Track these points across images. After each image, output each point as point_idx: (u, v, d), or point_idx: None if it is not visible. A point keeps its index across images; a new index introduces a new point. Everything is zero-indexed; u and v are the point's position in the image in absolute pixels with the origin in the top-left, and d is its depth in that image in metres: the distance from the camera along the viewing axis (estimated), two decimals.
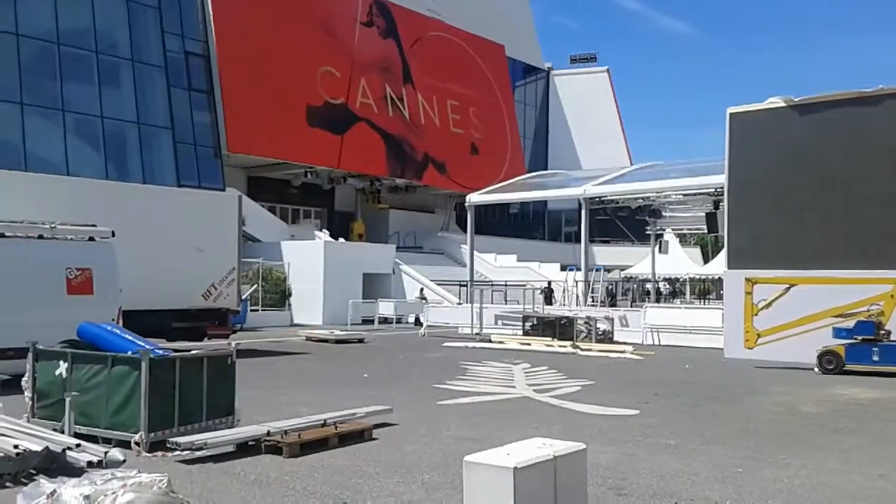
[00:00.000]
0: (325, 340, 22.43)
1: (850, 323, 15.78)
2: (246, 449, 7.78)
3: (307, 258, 32.23)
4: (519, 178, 39.24)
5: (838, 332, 15.75)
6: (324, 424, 8.49)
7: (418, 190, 47.88)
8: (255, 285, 28.66)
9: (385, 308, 30.51)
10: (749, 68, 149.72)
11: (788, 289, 17.22)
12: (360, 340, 22.92)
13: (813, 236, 17.26)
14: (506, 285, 33.20)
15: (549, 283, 34.57)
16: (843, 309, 16.25)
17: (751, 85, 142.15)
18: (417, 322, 29.03)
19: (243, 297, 21.24)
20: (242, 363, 9.51)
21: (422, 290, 33.99)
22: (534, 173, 42.86)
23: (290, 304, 31.31)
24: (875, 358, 15.26)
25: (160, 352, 8.54)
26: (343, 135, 41.69)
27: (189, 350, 9.59)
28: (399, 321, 30.50)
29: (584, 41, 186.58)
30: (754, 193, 18.35)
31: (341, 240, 37.56)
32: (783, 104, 18.19)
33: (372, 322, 29.81)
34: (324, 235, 36.84)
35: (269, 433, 7.93)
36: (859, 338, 15.50)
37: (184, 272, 17.08)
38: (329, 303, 30.98)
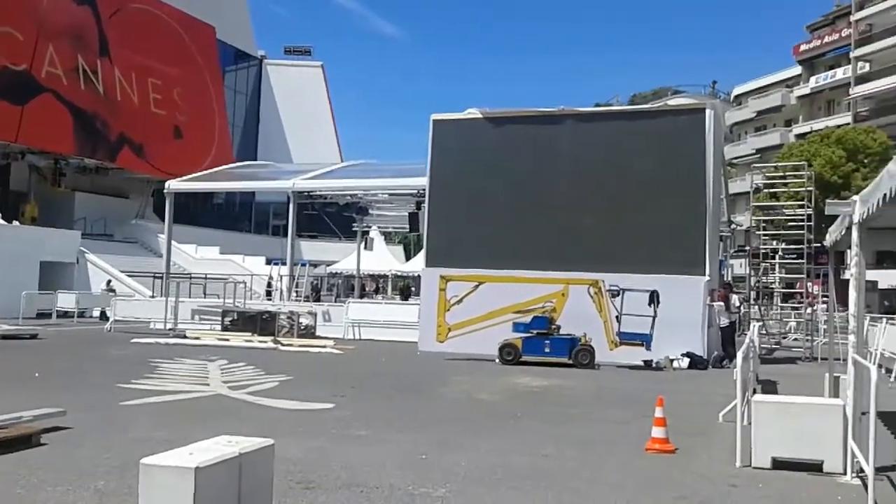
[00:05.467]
0: None
1: (528, 318, 17.42)
2: None
3: None
4: (226, 166, 37.98)
5: (517, 327, 17.31)
6: None
7: (111, 172, 44.23)
8: None
9: (65, 300, 27.80)
10: (455, 77, 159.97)
11: (477, 286, 18.60)
12: (34, 336, 20.63)
13: (501, 239, 18.82)
14: (205, 278, 31.92)
15: (271, 277, 34.13)
16: (523, 305, 17.94)
17: (457, 94, 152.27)
18: (103, 316, 26.81)
19: None
20: None
21: (109, 281, 31.47)
22: (242, 163, 41.75)
23: None
24: (547, 350, 16.96)
25: None
26: (24, 105, 37.20)
27: None
28: (82, 315, 27.99)
29: (299, 33, 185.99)
30: (452, 196, 19.55)
31: (15, 223, 33.50)
32: (480, 115, 19.61)
33: (49, 316, 26.95)
34: None
35: None
36: (535, 331, 17.15)
37: None
38: None
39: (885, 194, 5.65)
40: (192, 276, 33.28)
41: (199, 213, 46.97)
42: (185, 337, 21.24)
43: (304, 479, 6.61)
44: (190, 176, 31.95)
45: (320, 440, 8.30)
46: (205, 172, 34.33)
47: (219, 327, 22.58)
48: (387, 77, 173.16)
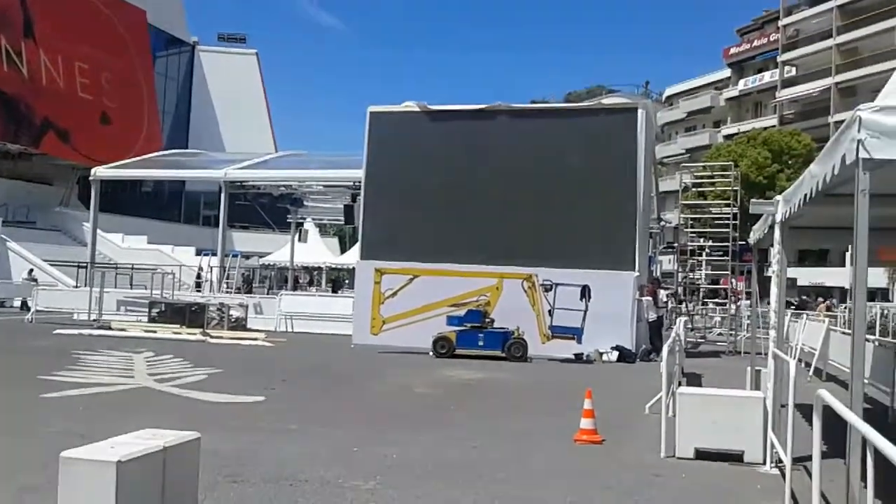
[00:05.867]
0: None
1: (462, 311, 17.50)
2: None
3: None
4: (155, 154, 36.93)
5: (451, 320, 17.36)
6: None
7: (35, 158, 42.63)
8: None
9: None
10: (392, 71, 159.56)
11: (412, 279, 18.57)
12: None
13: (436, 232, 18.83)
14: (132, 268, 31.05)
15: (201, 268, 33.46)
16: (457, 299, 17.99)
17: (395, 86, 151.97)
18: (24, 306, 25.86)
19: None
20: None
21: (31, 270, 30.37)
22: (173, 151, 40.66)
23: None
24: (481, 343, 17.06)
25: None
26: None
27: None
28: (2, 305, 27.01)
29: (234, 20, 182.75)
30: (388, 189, 19.45)
31: None
32: (417, 109, 19.55)
33: None
34: None
35: None
36: (469, 325, 17.23)
37: None
38: None
39: (805, 194, 5.85)
40: (119, 266, 32.37)
41: (127, 201, 45.62)
42: (109, 328, 20.64)
43: (232, 472, 6.49)
44: (117, 163, 30.93)
45: (249, 433, 8.18)
46: (133, 160, 33.30)
47: (145, 319, 22.01)
48: (327, 68, 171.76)
